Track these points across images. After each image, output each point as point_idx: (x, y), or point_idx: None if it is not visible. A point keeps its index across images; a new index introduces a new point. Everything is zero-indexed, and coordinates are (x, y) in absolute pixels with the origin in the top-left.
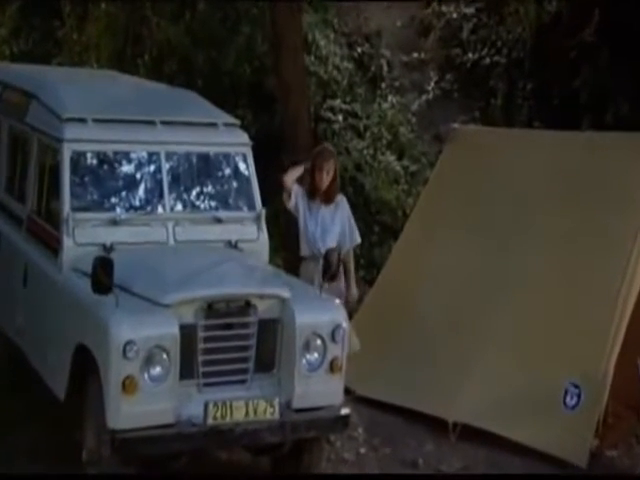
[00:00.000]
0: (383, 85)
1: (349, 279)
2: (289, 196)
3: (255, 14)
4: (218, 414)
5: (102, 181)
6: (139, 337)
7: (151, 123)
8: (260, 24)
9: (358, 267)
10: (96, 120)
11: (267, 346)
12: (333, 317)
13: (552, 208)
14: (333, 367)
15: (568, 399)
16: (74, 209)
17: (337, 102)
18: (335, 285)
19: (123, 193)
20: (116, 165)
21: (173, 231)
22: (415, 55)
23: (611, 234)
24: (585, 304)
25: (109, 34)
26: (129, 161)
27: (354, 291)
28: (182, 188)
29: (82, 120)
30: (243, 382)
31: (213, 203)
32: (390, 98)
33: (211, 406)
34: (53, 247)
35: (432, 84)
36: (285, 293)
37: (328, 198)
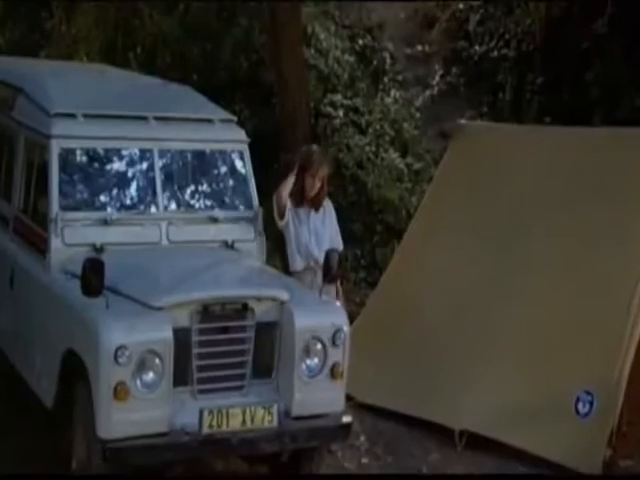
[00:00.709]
0: (386, 79)
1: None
2: (282, 215)
3: (252, 5)
4: (214, 422)
5: (92, 179)
6: (131, 341)
7: (144, 119)
8: (258, 15)
9: (359, 268)
10: (86, 115)
11: (265, 351)
12: (334, 320)
13: (564, 208)
14: (334, 373)
15: (580, 406)
16: (63, 208)
17: (338, 97)
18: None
19: (114, 192)
20: (107, 162)
21: (167, 231)
22: (419, 48)
23: (626, 236)
24: (598, 308)
25: (99, 26)
26: (120, 158)
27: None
28: (176, 187)
29: (71, 115)
30: (240, 388)
31: (208, 202)
32: (393, 93)
33: (206, 414)
34: (41, 248)
35: (437, 78)
36: (283, 295)
37: (318, 204)
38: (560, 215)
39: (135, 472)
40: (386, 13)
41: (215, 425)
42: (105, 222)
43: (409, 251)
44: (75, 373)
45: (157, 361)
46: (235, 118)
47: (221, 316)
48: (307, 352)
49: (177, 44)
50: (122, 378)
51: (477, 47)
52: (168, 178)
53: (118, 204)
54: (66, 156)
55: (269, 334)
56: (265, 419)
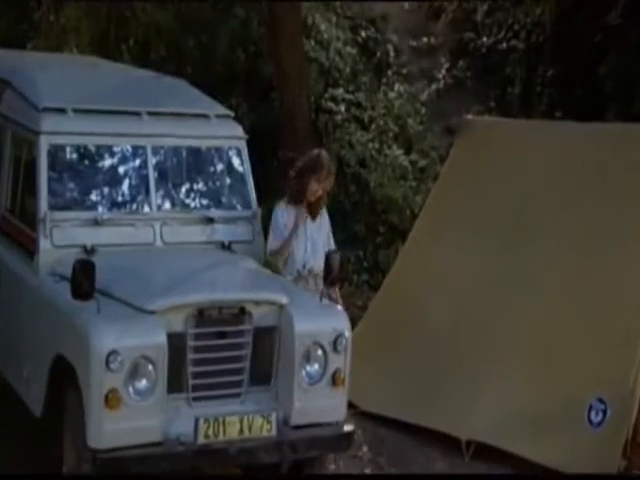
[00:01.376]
0: (389, 72)
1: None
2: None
3: None
4: (210, 431)
5: (83, 177)
6: (123, 347)
7: (136, 114)
8: (256, 6)
9: (361, 270)
10: (76, 110)
11: (263, 357)
12: (335, 325)
13: (576, 208)
14: (335, 380)
15: (593, 415)
16: (52, 208)
17: (339, 91)
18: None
19: (106, 190)
20: (98, 160)
21: (160, 232)
22: (424, 40)
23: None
24: (611, 312)
25: (90, 16)
26: (112, 155)
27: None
28: (170, 185)
29: (61, 110)
30: (237, 396)
31: (204, 201)
32: (397, 87)
33: (202, 422)
34: (29, 249)
35: (443, 71)
36: (283, 299)
37: (316, 212)
38: (570, 214)
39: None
40: (390, 3)
41: (211, 434)
42: (96, 222)
43: (413, 252)
44: (65, 380)
45: (150, 367)
46: (232, 113)
47: (217, 320)
48: (307, 358)
49: (172, 36)
50: (114, 385)
51: (485, 39)
52: (162, 176)
53: (110, 203)
54: (55, 153)
55: (268, 339)
56: (263, 428)
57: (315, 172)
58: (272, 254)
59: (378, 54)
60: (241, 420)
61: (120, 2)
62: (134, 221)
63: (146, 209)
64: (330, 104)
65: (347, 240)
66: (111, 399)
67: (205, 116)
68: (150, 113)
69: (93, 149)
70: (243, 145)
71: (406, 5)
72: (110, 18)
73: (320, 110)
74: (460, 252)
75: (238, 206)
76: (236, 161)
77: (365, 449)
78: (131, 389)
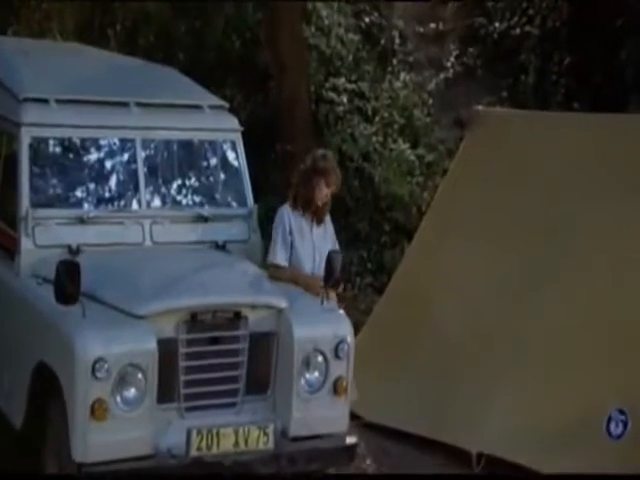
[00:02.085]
0: (395, 61)
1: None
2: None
3: None
4: (203, 444)
5: (67, 172)
6: (110, 354)
7: (124, 105)
8: None
9: (365, 272)
10: (60, 101)
11: (260, 364)
12: (337, 330)
13: (594, 205)
14: (337, 388)
15: (612, 427)
16: (34, 205)
17: (341, 81)
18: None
19: (92, 187)
20: (83, 154)
21: (150, 231)
22: (432, 26)
23: None
24: (633, 317)
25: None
26: (99, 149)
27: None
28: (161, 181)
29: (43, 101)
30: (232, 406)
31: (197, 198)
32: (403, 76)
33: (195, 434)
34: (10, 249)
35: (452, 59)
36: (281, 302)
37: (321, 217)
38: (591, 212)
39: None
40: None
41: (204, 447)
42: (81, 220)
43: (420, 253)
44: (47, 389)
45: (139, 375)
46: (226, 104)
47: (211, 325)
48: (307, 365)
49: (161, 21)
50: (100, 395)
51: (497, 24)
52: (152, 171)
53: (96, 200)
54: (38, 146)
55: (265, 345)
56: (260, 440)
57: (324, 176)
58: (273, 266)
59: (382, 41)
60: (236, 432)
61: None
62: (122, 219)
63: (135, 206)
64: (331, 94)
65: (350, 240)
66: (97, 409)
67: (198, 107)
68: (139, 104)
69: (78, 142)
70: (238, 138)
71: None
72: (96, 2)
73: (321, 101)
74: (471, 252)
75: (233, 203)
76: (231, 155)
77: (369, 462)
78: (119, 399)
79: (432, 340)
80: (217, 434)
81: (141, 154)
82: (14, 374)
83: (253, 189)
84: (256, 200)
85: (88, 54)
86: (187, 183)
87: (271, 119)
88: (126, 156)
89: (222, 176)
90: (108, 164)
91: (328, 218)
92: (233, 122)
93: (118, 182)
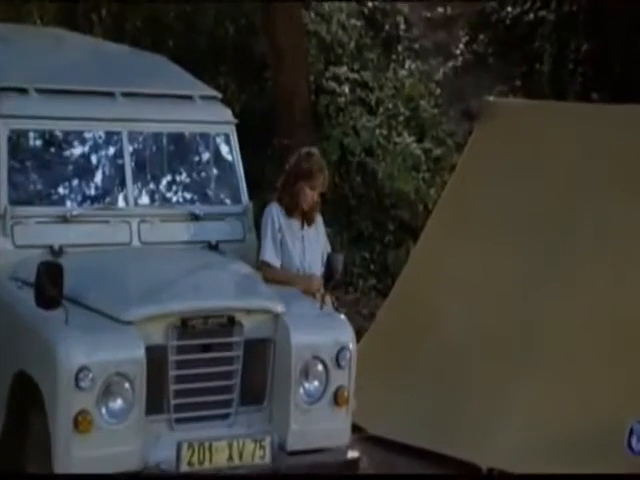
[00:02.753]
0: (400, 48)
1: None
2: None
3: None
4: (194, 458)
5: (49, 167)
6: (95, 362)
7: (110, 95)
8: None
9: (368, 274)
10: (40, 91)
11: (255, 372)
12: (338, 337)
13: (614, 202)
14: (338, 399)
15: (634, 441)
16: (13, 202)
17: (343, 70)
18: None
19: (75, 183)
20: (66, 147)
21: (138, 230)
22: (440, 10)
23: None
24: None
25: None
26: (83, 142)
27: None
28: (149, 176)
29: (22, 90)
30: (226, 417)
31: (188, 195)
32: (408, 64)
33: (185, 448)
34: None
35: (461, 46)
36: (278, 307)
37: (312, 218)
38: (613, 211)
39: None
40: None
41: (196, 461)
42: (64, 219)
43: (427, 253)
44: (28, 400)
45: (126, 385)
46: (219, 94)
47: (203, 331)
48: (306, 374)
49: (149, 6)
50: (84, 406)
51: (509, 9)
52: (140, 166)
53: (80, 198)
54: (17, 139)
55: (260, 353)
56: (256, 454)
57: (308, 179)
58: (264, 265)
59: (387, 27)
60: (230, 445)
61: None
62: (108, 218)
63: (121, 204)
64: (332, 84)
65: (352, 240)
66: (81, 422)
67: (188, 97)
68: (125, 94)
69: (60, 135)
70: (232, 131)
71: None
72: None
73: (320, 91)
74: (481, 253)
75: (227, 200)
76: (224, 149)
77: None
78: (104, 410)
79: (439, 347)
80: (209, 448)
81: (128, 148)
82: None
83: (248, 185)
84: (251, 197)
85: (71, 40)
86: (177, 179)
87: (267, 111)
88: (112, 150)
89: (215, 171)
90: (93, 159)
91: (319, 219)
92: (226, 114)
93: (103, 178)
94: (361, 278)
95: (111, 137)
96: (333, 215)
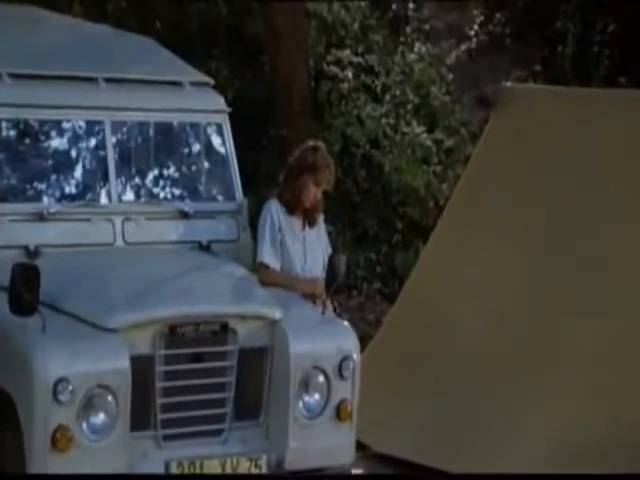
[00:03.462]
0: (408, 29)
1: None
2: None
3: None
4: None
5: (23, 160)
6: (75, 373)
7: (91, 81)
8: None
9: (373, 277)
10: (14, 76)
11: (251, 384)
12: (340, 345)
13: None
14: (341, 413)
15: None
16: None
17: (346, 53)
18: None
19: (53, 177)
20: (43, 139)
21: (122, 229)
22: None
23: None
24: None
25: None
26: (61, 133)
27: None
28: (134, 170)
29: None
30: (218, 434)
31: (177, 191)
32: (418, 47)
33: (174, 466)
34: None
35: (475, 27)
36: (275, 312)
37: (314, 217)
38: (638, 206)
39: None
40: None
41: None
42: (41, 217)
43: (438, 254)
44: (1, 414)
45: (109, 398)
46: (211, 80)
47: (193, 339)
48: (306, 386)
49: None
50: (63, 421)
51: None
52: (124, 159)
53: (58, 193)
54: None
55: (256, 363)
56: (251, 473)
57: (312, 174)
58: (262, 267)
59: (394, 6)
60: (223, 464)
61: None
62: (89, 215)
63: (104, 200)
64: (334, 69)
65: (356, 239)
66: (60, 439)
67: (177, 84)
68: (109, 80)
69: (36, 125)
70: (225, 120)
71: None
72: None
73: (321, 77)
74: (496, 254)
75: (219, 197)
76: (216, 140)
77: None
78: (85, 426)
79: (450, 357)
80: (200, 466)
81: (111, 139)
82: None
83: (242, 180)
84: (246, 193)
85: (48, 21)
86: (165, 173)
87: (263, 98)
88: (93, 141)
89: (206, 165)
90: (72, 151)
91: (321, 219)
92: (219, 101)
93: (84, 172)
94: (366, 281)
95: (92, 127)
96: (335, 212)
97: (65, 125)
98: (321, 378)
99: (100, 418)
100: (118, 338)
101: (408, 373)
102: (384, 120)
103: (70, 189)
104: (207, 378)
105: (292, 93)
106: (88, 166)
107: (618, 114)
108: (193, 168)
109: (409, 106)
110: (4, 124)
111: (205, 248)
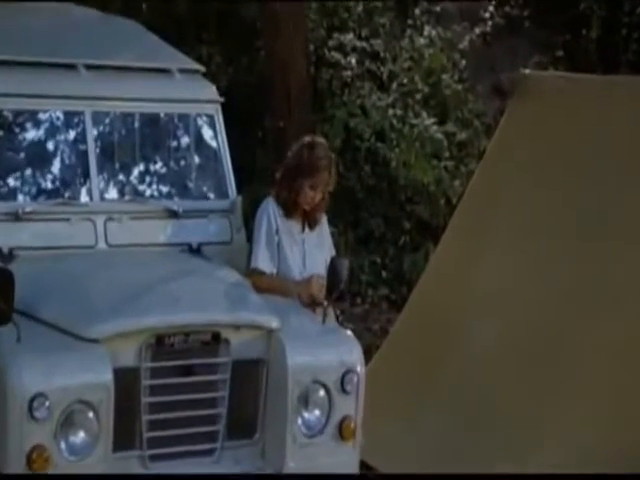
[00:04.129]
0: (417, 11)
1: None
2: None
3: None
4: None
5: None
6: (52, 388)
7: (71, 67)
8: None
9: (379, 283)
10: None
11: (245, 400)
12: (343, 357)
13: None
14: (343, 431)
15: None
16: None
17: (349, 37)
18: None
19: (28, 173)
20: (17, 131)
21: (104, 230)
22: None
23: None
24: None
25: None
26: (37, 125)
27: None
28: (118, 166)
29: None
30: (210, 453)
31: (165, 188)
32: (428, 31)
33: None
34: None
35: (491, 9)
36: (272, 321)
37: (315, 219)
38: None
39: None
40: None
41: None
42: (15, 217)
43: (450, 258)
44: None
45: (90, 415)
46: (202, 68)
47: (182, 351)
48: (305, 402)
49: None
50: (40, 440)
51: None
52: (106, 153)
53: (34, 191)
54: None
55: (251, 376)
56: None
57: (308, 175)
58: (256, 273)
59: None
60: None
61: None
62: (68, 215)
63: (84, 199)
64: (336, 55)
65: (360, 241)
66: (36, 459)
67: (165, 71)
68: (89, 66)
69: (10, 116)
70: (217, 111)
71: None
72: None
73: (322, 63)
74: (514, 257)
75: (211, 194)
76: (208, 133)
77: None
78: (63, 445)
79: (464, 368)
80: None
81: (92, 131)
82: None
83: (236, 176)
84: (239, 191)
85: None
86: (152, 169)
87: (259, 87)
88: (73, 134)
89: (196, 160)
90: (49, 144)
91: (324, 218)
92: (210, 91)
93: (62, 167)
94: (371, 287)
95: (72, 118)
96: (337, 212)
97: (42, 116)
98: (322, 393)
99: (80, 437)
100: (100, 349)
101: (418, 387)
102: (391, 111)
103: (47, 186)
104: (197, 393)
105: (290, 81)
106: (67, 161)
107: None
108: (182, 163)
109: (418, 95)
110: None
111: (195, 250)
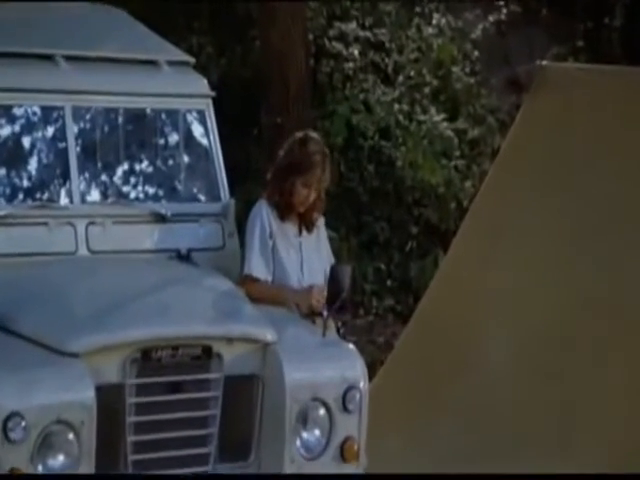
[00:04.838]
0: None
1: None
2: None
3: None
4: None
5: None
6: (29, 407)
7: (49, 59)
8: None
9: (384, 292)
10: None
11: (239, 419)
12: (345, 372)
13: None
14: (345, 453)
15: None
16: None
17: (351, 26)
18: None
19: (2, 173)
20: None
21: (86, 235)
22: None
23: None
24: None
25: None
26: (12, 121)
27: None
28: (100, 165)
29: None
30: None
31: (151, 190)
32: (437, 19)
33: None
34: None
35: None
36: (267, 334)
37: (311, 221)
38: None
39: None
40: None
41: None
42: None
43: (460, 265)
44: None
45: (70, 436)
46: (193, 59)
47: (171, 366)
48: (304, 421)
49: None
50: (15, 463)
51: None
52: (88, 152)
53: (9, 192)
54: None
55: (245, 393)
56: None
57: (300, 173)
58: (250, 280)
59: None
60: None
61: None
62: (46, 219)
63: (64, 201)
64: (337, 45)
65: (362, 246)
66: None
67: (152, 63)
68: (69, 58)
69: None
70: (208, 106)
71: None
72: None
73: (322, 54)
74: (530, 263)
75: (201, 197)
76: (198, 130)
77: None
78: (41, 469)
79: (476, 384)
80: None
81: (72, 128)
82: None
83: (229, 177)
84: (232, 192)
85: None
86: (137, 169)
87: (254, 80)
88: (51, 131)
89: (186, 159)
90: (26, 142)
91: (321, 221)
92: (201, 84)
93: (40, 167)
94: (375, 296)
95: (50, 113)
96: (339, 215)
97: (17, 111)
98: (322, 412)
99: (59, 460)
100: (81, 365)
101: (424, 404)
102: (396, 106)
103: (24, 188)
104: (187, 411)
105: (288, 74)
106: (45, 160)
107: None
108: (170, 163)
109: (426, 89)
110: None
111: (184, 257)
